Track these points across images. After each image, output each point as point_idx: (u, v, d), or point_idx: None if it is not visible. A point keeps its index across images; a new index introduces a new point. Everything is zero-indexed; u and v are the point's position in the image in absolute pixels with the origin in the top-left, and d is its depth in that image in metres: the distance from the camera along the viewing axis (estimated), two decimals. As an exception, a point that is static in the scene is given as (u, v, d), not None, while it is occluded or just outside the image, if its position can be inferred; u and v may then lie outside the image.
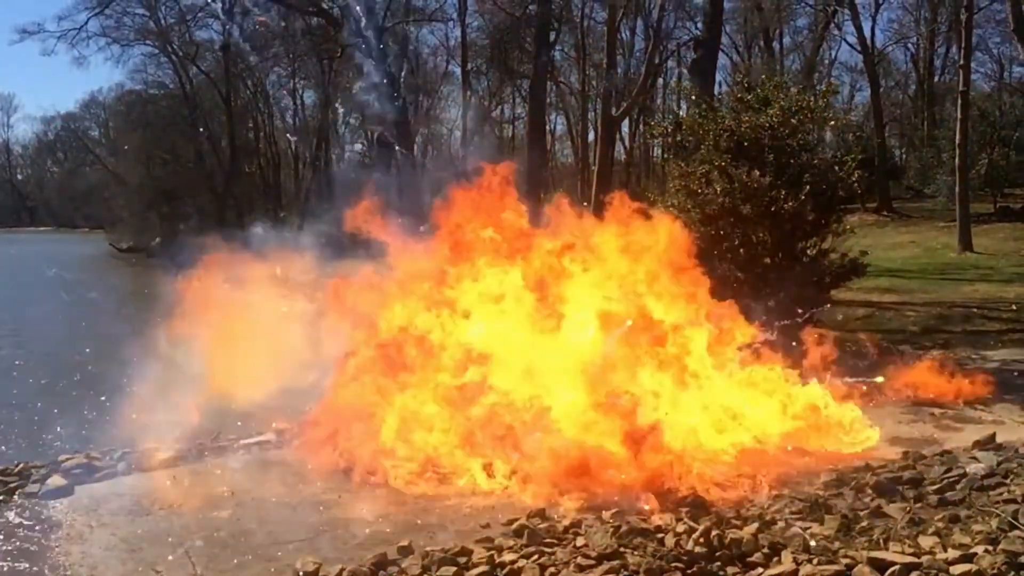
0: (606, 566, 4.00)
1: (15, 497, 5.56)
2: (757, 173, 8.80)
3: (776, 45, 40.52)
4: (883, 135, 30.25)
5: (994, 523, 4.26)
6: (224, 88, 43.49)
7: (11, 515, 5.27)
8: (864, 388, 7.64)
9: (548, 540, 4.43)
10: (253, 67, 42.09)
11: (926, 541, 4.12)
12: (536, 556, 4.21)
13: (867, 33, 32.90)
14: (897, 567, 3.80)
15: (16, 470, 5.98)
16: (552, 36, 30.76)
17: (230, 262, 7.80)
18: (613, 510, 4.91)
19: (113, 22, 39.75)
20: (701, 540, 4.12)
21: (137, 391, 7.38)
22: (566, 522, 4.73)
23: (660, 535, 4.31)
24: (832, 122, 10.48)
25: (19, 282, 24.10)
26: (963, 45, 21.90)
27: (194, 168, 42.78)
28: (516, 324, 6.66)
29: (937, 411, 7.42)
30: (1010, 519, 4.26)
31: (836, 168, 9.10)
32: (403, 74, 24.27)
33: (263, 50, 40.72)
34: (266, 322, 7.48)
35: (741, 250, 9.06)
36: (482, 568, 4.12)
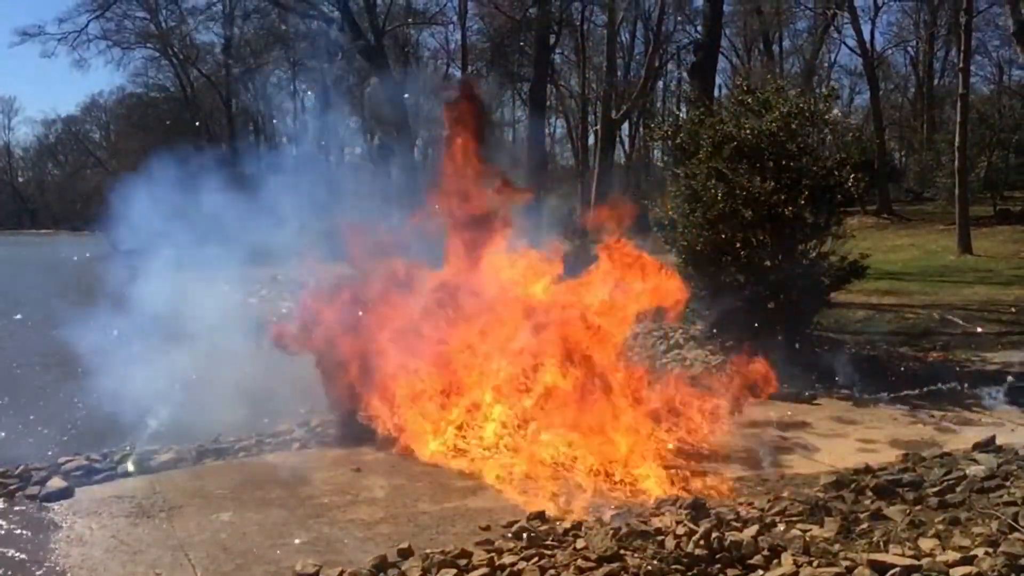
0: (606, 568, 3.99)
1: (15, 499, 5.56)
2: (759, 179, 8.81)
3: (776, 48, 40.66)
4: (883, 138, 30.29)
5: (994, 525, 4.26)
6: (224, 91, 43.59)
7: (11, 517, 5.27)
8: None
9: (548, 542, 4.43)
10: (254, 70, 42.18)
11: (926, 543, 4.12)
12: (536, 558, 4.20)
13: (866, 36, 33.05)
14: (897, 569, 3.80)
15: (16, 472, 5.97)
16: (552, 39, 30.81)
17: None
18: (613, 512, 4.92)
19: (114, 25, 39.89)
20: (701, 542, 4.12)
21: (136, 393, 7.40)
22: (566, 524, 4.73)
23: (660, 537, 4.30)
24: (832, 125, 10.46)
25: (22, 283, 24.11)
26: (962, 48, 21.95)
27: (195, 170, 42.85)
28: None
29: (937, 413, 7.43)
30: (1010, 521, 4.26)
31: (836, 172, 9.11)
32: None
33: (263, 53, 40.81)
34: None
35: (742, 253, 9.07)
36: (482, 570, 4.12)
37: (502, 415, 6.57)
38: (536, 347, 6.59)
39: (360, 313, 6.87)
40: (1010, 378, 8.33)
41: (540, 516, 4.91)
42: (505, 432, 6.47)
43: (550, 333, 6.55)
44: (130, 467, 6.15)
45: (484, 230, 7.03)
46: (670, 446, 6.51)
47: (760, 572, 3.95)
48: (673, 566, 3.98)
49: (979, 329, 10.26)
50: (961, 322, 11.55)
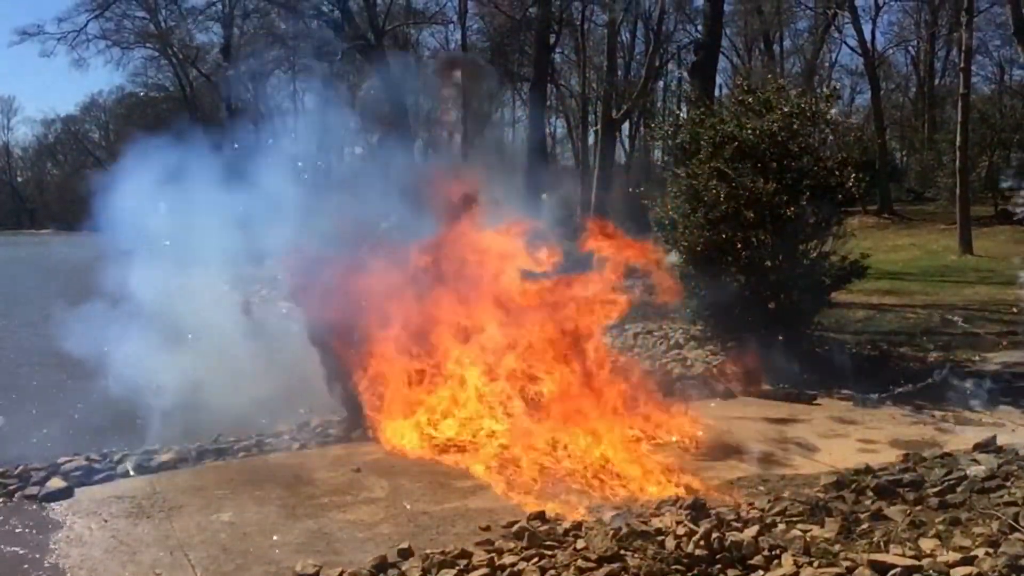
0: (606, 568, 3.99)
1: (15, 499, 5.56)
2: (762, 181, 8.80)
3: (776, 48, 40.61)
4: (884, 138, 30.27)
5: (995, 526, 4.25)
6: (224, 91, 43.52)
7: (11, 517, 5.26)
8: None
9: (548, 542, 4.42)
10: (254, 70, 42.14)
11: (927, 543, 4.11)
12: (536, 559, 4.20)
13: (867, 36, 33.05)
14: (898, 570, 3.79)
15: (16, 472, 5.97)
16: (552, 39, 30.76)
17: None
18: (614, 512, 4.91)
19: (113, 25, 39.78)
20: (702, 542, 4.11)
21: (135, 393, 7.40)
22: (566, 524, 4.73)
23: (660, 537, 4.30)
24: (833, 125, 10.44)
25: (22, 284, 24.12)
26: (963, 48, 21.94)
27: (195, 170, 42.81)
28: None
29: (937, 413, 7.43)
30: (1011, 522, 4.25)
31: (837, 172, 9.10)
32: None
33: (263, 53, 40.77)
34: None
35: (743, 253, 9.06)
36: (482, 571, 4.12)
37: (487, 400, 6.65)
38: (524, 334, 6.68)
39: (347, 280, 6.92)
40: (988, 382, 8.30)
41: (540, 516, 4.91)
42: (489, 419, 6.56)
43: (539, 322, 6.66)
44: (130, 467, 6.14)
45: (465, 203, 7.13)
46: (674, 438, 6.54)
47: (760, 572, 3.94)
48: (673, 566, 3.98)
49: (1002, 346, 10.16)
50: (960, 321, 11.54)
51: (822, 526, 4.44)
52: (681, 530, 4.33)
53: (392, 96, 24.61)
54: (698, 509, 4.81)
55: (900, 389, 8.05)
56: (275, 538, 4.81)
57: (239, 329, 8.61)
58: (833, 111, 10.08)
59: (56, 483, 5.71)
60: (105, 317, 8.29)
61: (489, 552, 4.34)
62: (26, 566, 4.53)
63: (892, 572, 3.79)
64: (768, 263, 9.14)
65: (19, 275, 27.24)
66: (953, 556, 3.92)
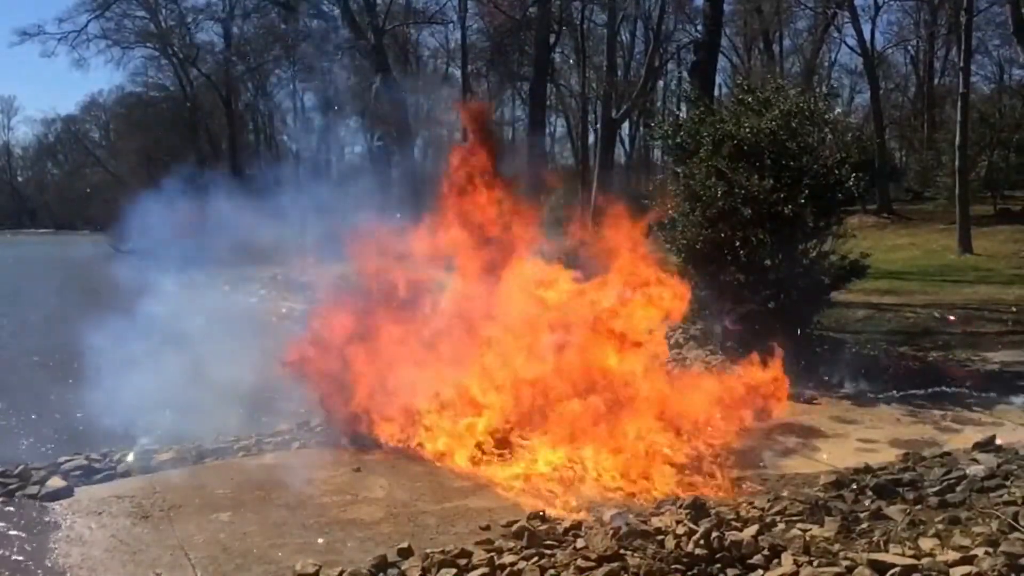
0: (606, 568, 3.99)
1: (15, 499, 5.56)
2: (758, 178, 8.79)
3: (776, 47, 40.61)
4: (883, 137, 30.24)
5: (994, 525, 4.26)
6: (224, 90, 43.59)
7: (11, 517, 5.27)
8: None
9: (548, 542, 4.43)
10: (253, 69, 42.18)
11: (926, 543, 4.12)
12: (536, 558, 4.20)
13: (867, 35, 32.99)
14: (897, 569, 3.79)
15: (16, 472, 5.97)
16: (552, 38, 30.78)
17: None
18: (613, 512, 4.91)
19: (113, 25, 39.90)
20: (701, 542, 4.11)
21: (136, 393, 7.39)
22: (566, 524, 4.73)
23: (660, 537, 4.30)
24: (832, 125, 10.43)
25: (23, 282, 24.12)
26: (963, 47, 21.98)
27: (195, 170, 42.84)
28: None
29: (937, 413, 7.43)
30: (1010, 521, 4.26)
31: (836, 171, 9.10)
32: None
33: (263, 52, 40.82)
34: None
35: (742, 252, 9.06)
36: (482, 570, 4.12)
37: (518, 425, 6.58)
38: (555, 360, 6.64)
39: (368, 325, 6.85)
40: (987, 381, 8.29)
41: (540, 516, 4.91)
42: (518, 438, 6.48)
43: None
44: (130, 467, 6.14)
45: (498, 250, 7.07)
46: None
47: (760, 572, 3.95)
48: (673, 566, 3.98)
49: (1001, 346, 10.09)
50: (959, 321, 11.54)
51: (822, 525, 4.44)
52: (681, 529, 4.33)
53: (393, 95, 24.64)
54: (698, 508, 4.81)
55: (907, 392, 8.04)
56: (275, 538, 4.81)
57: (239, 329, 8.60)
58: (837, 110, 10.09)
59: (56, 483, 5.71)
60: (105, 316, 8.28)
61: (489, 551, 4.34)
62: (26, 566, 4.54)
63: (891, 571, 3.79)
64: (767, 262, 9.14)
65: (24, 274, 27.23)
66: (952, 555, 3.92)
